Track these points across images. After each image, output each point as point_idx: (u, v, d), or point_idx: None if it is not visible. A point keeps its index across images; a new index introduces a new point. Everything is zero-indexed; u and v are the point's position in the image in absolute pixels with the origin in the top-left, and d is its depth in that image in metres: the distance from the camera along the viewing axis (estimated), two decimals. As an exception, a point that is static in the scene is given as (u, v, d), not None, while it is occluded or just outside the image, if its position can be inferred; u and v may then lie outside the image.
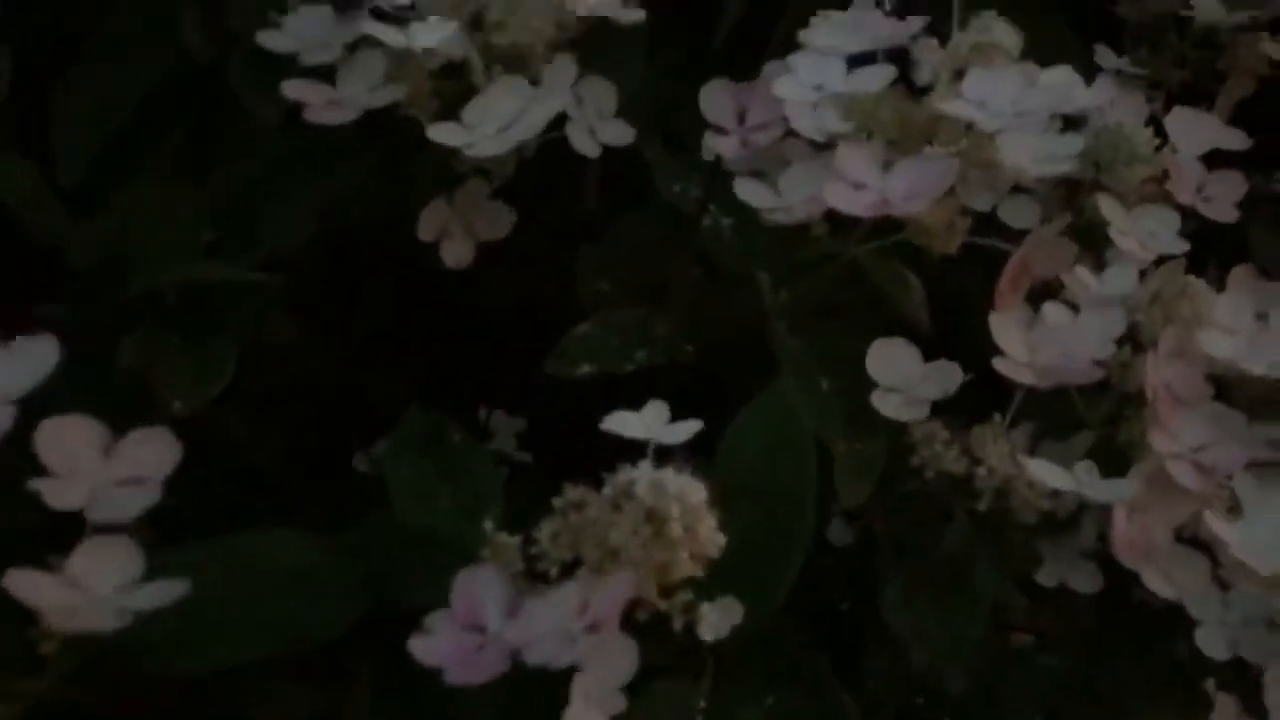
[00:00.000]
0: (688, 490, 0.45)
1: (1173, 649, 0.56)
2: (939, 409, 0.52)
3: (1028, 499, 0.51)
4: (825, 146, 0.55)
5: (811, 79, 0.56)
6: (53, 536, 0.45)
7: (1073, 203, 0.57)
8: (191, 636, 0.48)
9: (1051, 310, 0.54)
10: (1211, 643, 0.51)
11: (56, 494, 0.45)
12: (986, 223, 0.56)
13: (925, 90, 0.57)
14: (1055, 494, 0.51)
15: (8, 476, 0.46)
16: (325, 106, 0.56)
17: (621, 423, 0.47)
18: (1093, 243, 0.56)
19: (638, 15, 0.57)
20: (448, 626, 0.45)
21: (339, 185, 0.58)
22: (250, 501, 0.64)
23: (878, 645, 0.56)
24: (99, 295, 0.58)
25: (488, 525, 0.47)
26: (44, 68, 0.63)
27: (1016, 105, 0.55)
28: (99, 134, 0.62)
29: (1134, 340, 0.54)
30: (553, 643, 0.43)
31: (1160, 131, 0.58)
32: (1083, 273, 0.54)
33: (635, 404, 0.47)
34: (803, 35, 0.58)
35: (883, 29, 0.57)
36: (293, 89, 0.56)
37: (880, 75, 0.56)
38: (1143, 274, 0.55)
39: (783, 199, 0.54)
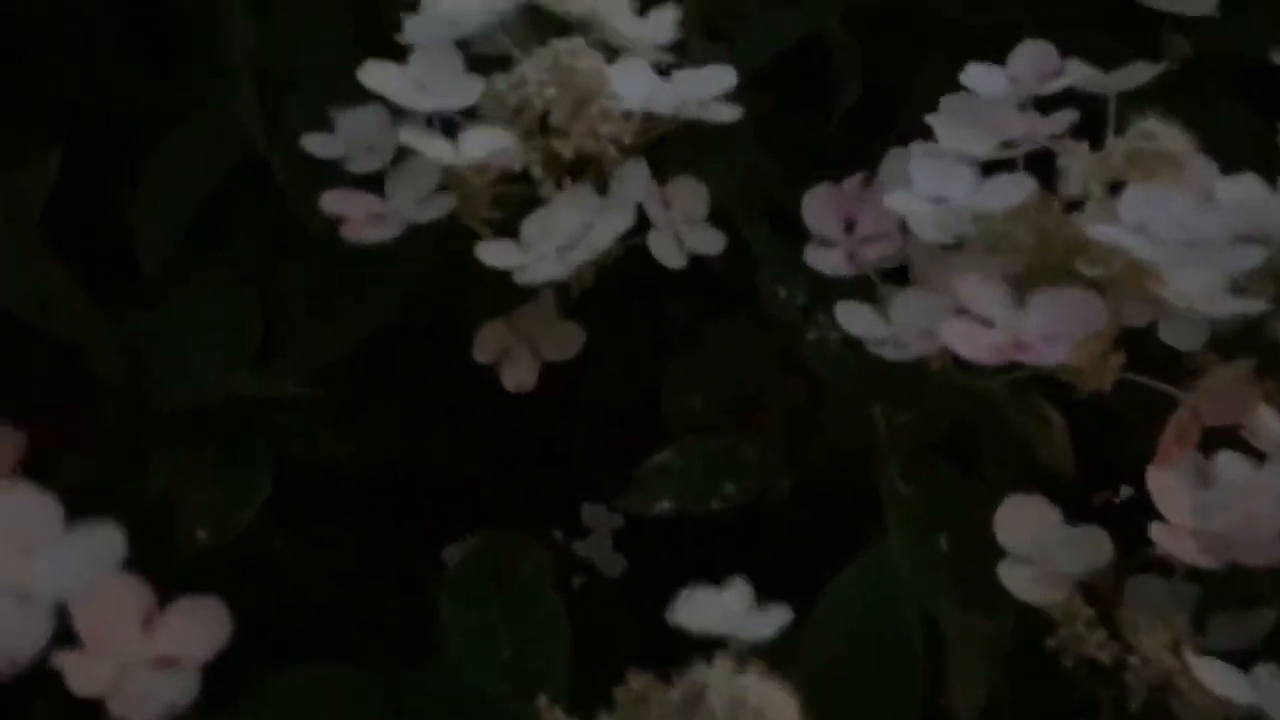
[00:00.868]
0: (771, 705, 0.37)
1: None
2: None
3: (1194, 703, 0.43)
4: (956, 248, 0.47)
5: (931, 189, 0.48)
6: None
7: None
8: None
9: (1228, 463, 0.45)
10: None
11: (81, 673, 0.37)
12: (1142, 341, 0.47)
13: (1071, 204, 0.48)
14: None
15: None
16: (367, 222, 0.48)
17: (695, 613, 0.38)
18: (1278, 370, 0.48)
19: (732, 113, 0.50)
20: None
21: (388, 296, 0.52)
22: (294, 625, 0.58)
23: None
24: (132, 404, 0.54)
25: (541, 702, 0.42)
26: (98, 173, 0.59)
27: (1188, 231, 0.45)
28: (179, 227, 0.57)
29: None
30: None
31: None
32: (1268, 415, 0.46)
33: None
34: (930, 120, 0.50)
35: (1018, 126, 0.49)
36: (332, 201, 0.49)
37: (1017, 188, 0.47)
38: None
39: (893, 329, 0.46)
